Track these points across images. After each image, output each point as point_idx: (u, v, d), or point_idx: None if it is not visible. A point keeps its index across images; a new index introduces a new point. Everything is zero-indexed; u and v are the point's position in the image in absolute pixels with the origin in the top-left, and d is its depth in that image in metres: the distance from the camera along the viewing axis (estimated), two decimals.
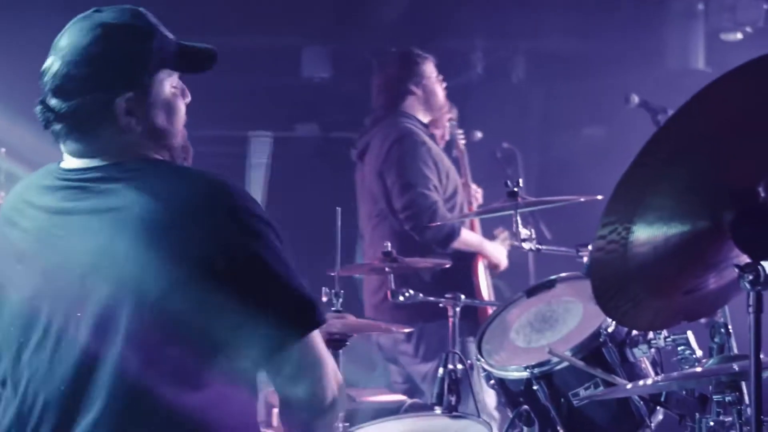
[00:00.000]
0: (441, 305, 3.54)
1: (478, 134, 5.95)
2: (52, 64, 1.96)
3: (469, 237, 4.53)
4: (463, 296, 3.49)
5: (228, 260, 1.85)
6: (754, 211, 1.82)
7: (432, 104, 4.72)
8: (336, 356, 3.12)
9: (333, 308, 3.14)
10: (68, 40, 1.97)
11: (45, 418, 1.88)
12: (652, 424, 2.85)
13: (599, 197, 3.21)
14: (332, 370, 1.95)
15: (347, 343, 3.11)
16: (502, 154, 6.05)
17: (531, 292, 3.19)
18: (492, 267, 4.64)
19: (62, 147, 2.02)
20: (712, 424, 2.55)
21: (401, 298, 3.47)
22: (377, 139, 4.60)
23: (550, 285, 3.19)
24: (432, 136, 4.67)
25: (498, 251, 4.63)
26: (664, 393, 2.73)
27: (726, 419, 2.55)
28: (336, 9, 6.44)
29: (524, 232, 3.39)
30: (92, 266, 1.88)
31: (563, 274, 3.22)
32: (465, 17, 6.30)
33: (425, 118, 4.71)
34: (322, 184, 6.47)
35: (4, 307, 1.99)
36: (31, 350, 1.92)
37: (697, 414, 2.61)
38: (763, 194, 1.84)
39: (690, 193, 1.84)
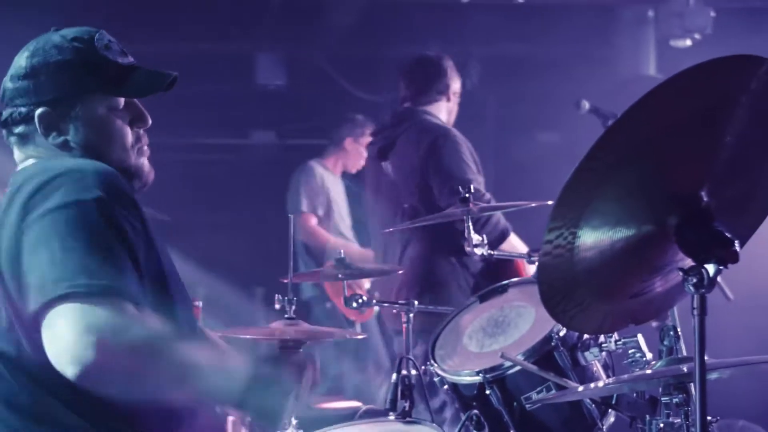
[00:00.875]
0: (395, 311, 3.55)
1: None
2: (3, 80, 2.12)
3: (517, 242, 4.38)
4: (416, 302, 3.49)
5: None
6: (697, 216, 1.85)
7: (451, 120, 4.66)
8: None
9: (286, 315, 3.14)
10: (14, 61, 2.10)
11: None
12: (604, 427, 2.87)
13: (550, 203, 3.22)
14: None
15: (300, 350, 3.11)
16: None
17: (484, 297, 3.21)
18: None
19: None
20: (662, 425, 2.57)
21: (354, 305, 3.47)
22: (409, 137, 4.46)
23: (502, 290, 3.20)
24: None
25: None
26: (615, 395, 2.75)
27: (675, 420, 2.57)
28: (289, 15, 6.44)
29: (476, 238, 3.40)
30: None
31: (515, 279, 3.24)
32: (419, 23, 6.34)
33: None
34: (278, 192, 6.46)
35: None
36: None
37: (647, 416, 2.64)
38: (706, 198, 1.87)
39: (635, 198, 1.86)
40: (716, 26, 5.85)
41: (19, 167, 2.10)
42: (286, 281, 3.20)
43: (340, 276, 3.45)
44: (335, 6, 6.37)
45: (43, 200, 1.84)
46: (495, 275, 4.00)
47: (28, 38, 2.12)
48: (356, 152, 6.14)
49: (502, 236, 4.27)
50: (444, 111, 4.60)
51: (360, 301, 3.47)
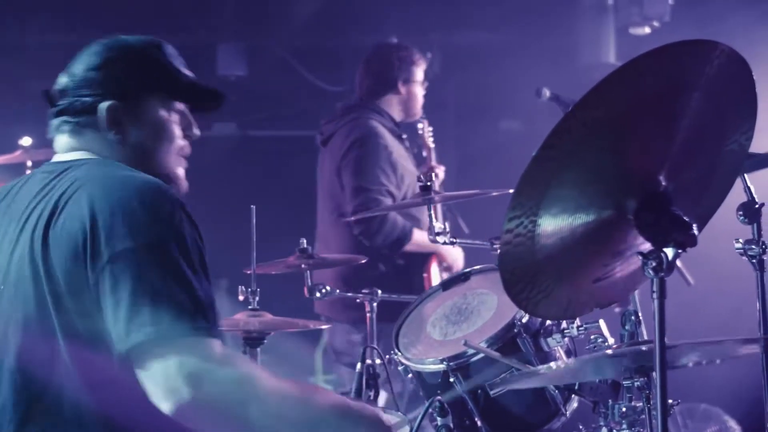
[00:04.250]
0: (358, 301, 3.55)
1: None
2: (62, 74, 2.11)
3: (422, 239, 4.45)
4: (379, 291, 3.50)
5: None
6: (656, 199, 1.87)
7: (410, 108, 4.69)
8: (254, 354, 3.12)
9: (250, 306, 3.13)
10: (81, 54, 2.12)
11: None
12: (567, 412, 2.89)
13: (511, 191, 3.23)
14: None
15: (265, 341, 3.11)
16: (418, 149, 6.08)
17: (446, 285, 3.21)
18: (446, 269, 4.62)
19: (54, 144, 2.13)
20: (624, 409, 2.60)
21: (318, 295, 3.47)
22: (342, 132, 4.52)
23: (465, 278, 3.21)
24: (400, 137, 4.64)
25: (453, 252, 4.60)
26: (578, 381, 2.77)
27: (638, 404, 2.60)
28: (250, 5, 6.40)
29: (438, 226, 3.42)
30: (12, 256, 1.95)
31: (477, 267, 3.25)
32: (379, 12, 6.32)
33: (399, 118, 4.68)
34: (239, 183, 6.42)
35: None
36: None
37: (609, 400, 2.66)
38: (664, 182, 1.88)
39: (593, 184, 1.88)
40: (674, 14, 5.89)
41: (70, 157, 2.08)
42: (249, 272, 3.20)
43: (303, 266, 3.44)
44: None
45: (128, 231, 1.84)
46: (403, 270, 4.10)
47: None
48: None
49: (399, 241, 4.38)
50: (395, 103, 4.65)
51: (324, 291, 3.47)
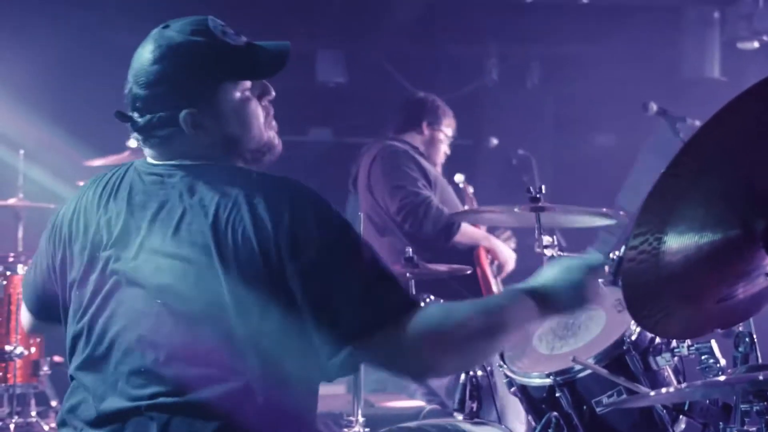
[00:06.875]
0: None
1: (494, 141, 5.96)
2: (127, 82, 2.11)
3: (471, 229, 4.57)
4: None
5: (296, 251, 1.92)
6: None
7: (431, 153, 4.82)
8: None
9: None
10: (137, 60, 2.10)
11: None
12: None
13: (605, 210, 3.29)
14: None
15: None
16: (518, 160, 6.06)
17: None
18: (499, 266, 4.65)
19: (145, 152, 2.15)
20: None
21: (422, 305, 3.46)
22: (363, 161, 4.74)
23: None
24: (423, 156, 4.74)
25: (505, 249, 4.66)
26: (687, 402, 2.72)
27: (750, 429, 2.54)
28: (350, 13, 6.45)
29: (547, 239, 3.39)
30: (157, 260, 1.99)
31: None
32: (480, 23, 6.32)
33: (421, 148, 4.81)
34: (335, 189, 6.47)
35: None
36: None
37: (720, 423, 2.60)
38: None
39: (721, 203, 1.84)
40: None
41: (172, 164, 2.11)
42: None
43: (408, 275, 3.45)
44: (396, 4, 6.37)
45: (312, 228, 1.93)
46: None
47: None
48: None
49: (448, 227, 4.45)
50: (418, 142, 4.78)
51: (427, 300, 3.46)
